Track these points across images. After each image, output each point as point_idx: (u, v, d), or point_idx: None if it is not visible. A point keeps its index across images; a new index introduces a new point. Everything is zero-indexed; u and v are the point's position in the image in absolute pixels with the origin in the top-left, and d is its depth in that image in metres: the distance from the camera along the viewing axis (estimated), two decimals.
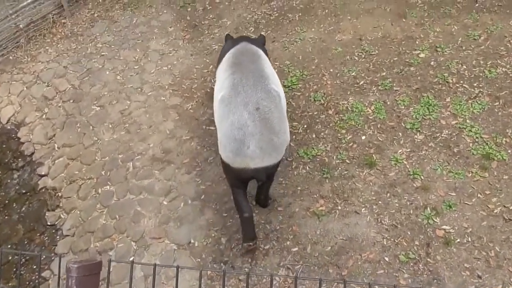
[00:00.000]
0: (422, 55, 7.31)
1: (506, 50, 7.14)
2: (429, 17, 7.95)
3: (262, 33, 7.90)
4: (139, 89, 7.68)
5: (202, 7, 9.15)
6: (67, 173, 6.83)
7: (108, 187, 6.52)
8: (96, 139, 7.09)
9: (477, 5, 8.03)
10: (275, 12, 8.68)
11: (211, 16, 8.91)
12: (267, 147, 4.90)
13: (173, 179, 6.39)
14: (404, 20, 7.99)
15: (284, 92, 6.82)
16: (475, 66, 6.99)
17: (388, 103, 6.73)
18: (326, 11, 8.52)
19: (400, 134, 6.34)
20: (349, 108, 6.74)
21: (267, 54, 6.20)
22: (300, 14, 8.55)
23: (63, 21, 9.17)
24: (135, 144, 6.89)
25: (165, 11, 9.18)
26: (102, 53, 8.42)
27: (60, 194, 6.66)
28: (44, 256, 6.04)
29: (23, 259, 6.11)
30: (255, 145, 4.85)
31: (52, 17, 9.07)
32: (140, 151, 6.80)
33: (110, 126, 7.21)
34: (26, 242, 6.41)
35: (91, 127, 7.27)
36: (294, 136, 6.48)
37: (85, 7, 9.46)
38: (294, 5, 8.78)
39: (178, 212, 6.05)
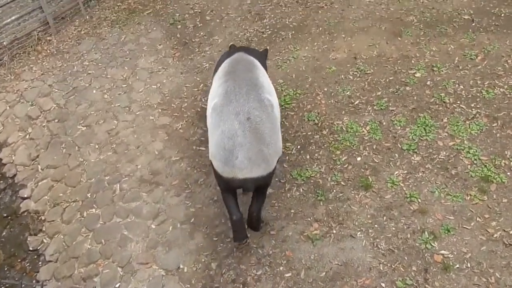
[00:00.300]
0: (418, 74, 7.45)
1: (504, 70, 7.30)
2: (425, 36, 8.13)
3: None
4: (127, 108, 7.73)
5: (193, 25, 9.28)
6: (50, 195, 6.82)
7: (93, 210, 6.52)
8: (82, 160, 7.11)
9: (473, 24, 8.22)
10: (268, 30, 8.83)
11: (202, 33, 9.04)
12: (256, 158, 5.07)
13: (161, 202, 6.41)
14: (399, 38, 8.16)
15: None
16: (472, 86, 7.13)
17: (384, 123, 6.83)
18: (320, 29, 8.67)
19: (397, 155, 6.43)
20: (344, 128, 6.83)
21: (266, 67, 6.44)
22: (293, 32, 8.70)
23: (48, 38, 9.26)
24: (122, 165, 6.92)
25: (154, 29, 9.30)
26: (89, 71, 8.49)
27: (43, 218, 6.64)
28: (24, 284, 5.99)
29: (2, 287, 6.06)
30: (244, 156, 5.03)
31: (37, 34, 9.16)
32: (127, 172, 6.82)
33: (97, 146, 7.24)
34: (6, 269, 6.36)
35: (76, 147, 7.29)
36: (287, 157, 6.55)
37: (72, 24, 9.57)
38: (287, 22, 8.94)
39: (167, 236, 6.05)
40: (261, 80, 5.63)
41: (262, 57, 6.55)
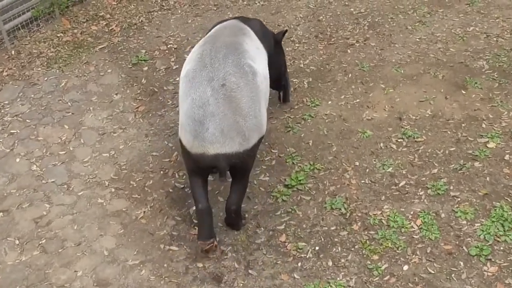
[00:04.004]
0: (491, 144, 7.56)
1: None
2: (501, 89, 8.32)
3: None
4: (65, 186, 7.77)
5: (165, 66, 9.48)
6: None
7: None
8: None
9: None
10: None
11: (178, 78, 9.18)
12: (229, 130, 6.03)
13: None
14: (464, 92, 8.35)
15: (287, 194, 7.05)
16: None
17: (443, 215, 6.86)
18: (350, 75, 8.87)
19: (462, 263, 6.41)
20: (383, 221, 6.86)
21: (283, 52, 7.63)
22: (311, 79, 8.89)
23: None
24: (54, 272, 6.87)
25: (109, 71, 9.49)
26: (11, 131, 8.59)
27: None
28: None
29: None
30: (215, 127, 5.99)
31: None
32: (61, 282, 6.77)
33: (17, 242, 7.22)
34: None
35: None
36: (299, 264, 6.54)
37: None
38: (302, 66, 9.15)
39: None
40: (245, 46, 6.63)
41: (269, 34, 7.58)
